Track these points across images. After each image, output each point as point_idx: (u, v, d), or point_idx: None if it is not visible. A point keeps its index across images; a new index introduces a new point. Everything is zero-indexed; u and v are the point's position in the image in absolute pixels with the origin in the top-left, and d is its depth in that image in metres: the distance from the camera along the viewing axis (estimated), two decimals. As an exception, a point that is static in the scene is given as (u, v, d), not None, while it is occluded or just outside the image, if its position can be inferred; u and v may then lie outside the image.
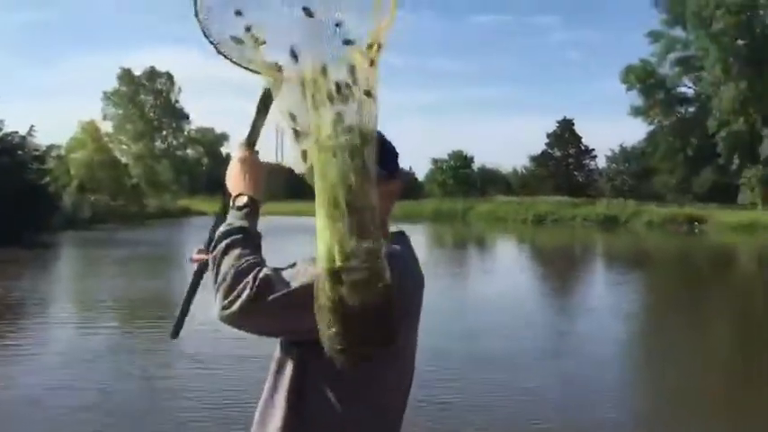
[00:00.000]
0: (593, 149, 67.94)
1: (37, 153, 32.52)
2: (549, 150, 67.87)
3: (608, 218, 47.50)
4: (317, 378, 1.65)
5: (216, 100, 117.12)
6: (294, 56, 1.59)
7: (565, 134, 67.32)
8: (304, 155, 1.55)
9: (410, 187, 60.87)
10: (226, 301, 1.56)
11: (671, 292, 17.53)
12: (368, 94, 1.56)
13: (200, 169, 74.45)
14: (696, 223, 44.12)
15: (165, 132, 71.40)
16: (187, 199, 58.03)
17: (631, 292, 16.77)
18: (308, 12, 1.57)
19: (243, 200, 1.72)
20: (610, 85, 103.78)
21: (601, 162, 67.72)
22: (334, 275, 1.46)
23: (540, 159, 68.10)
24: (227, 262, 1.60)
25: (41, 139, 37.70)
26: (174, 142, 72.35)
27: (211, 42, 1.68)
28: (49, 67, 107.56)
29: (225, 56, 1.68)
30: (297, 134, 1.58)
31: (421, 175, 71.58)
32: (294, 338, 1.69)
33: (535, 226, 46.56)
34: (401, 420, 1.81)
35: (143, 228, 36.80)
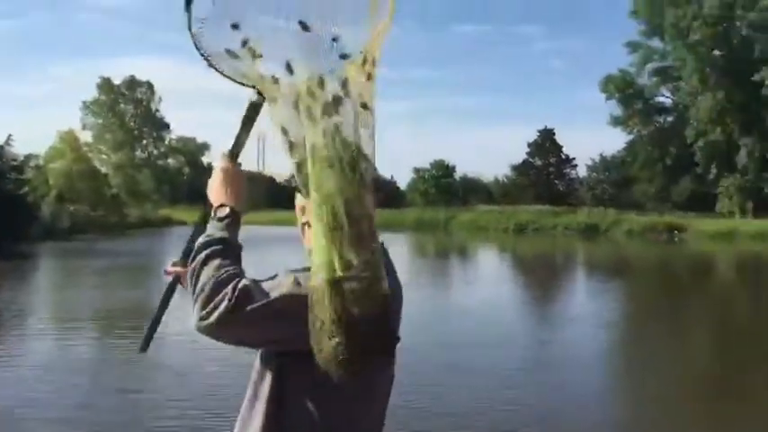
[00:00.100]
0: (574, 159, 68.51)
1: (15, 163, 32.28)
2: (530, 159, 68.26)
3: (588, 227, 47.82)
4: (297, 388, 1.65)
5: (197, 110, 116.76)
6: (290, 69, 1.60)
7: (545, 143, 67.76)
8: (299, 167, 1.56)
9: (392, 196, 60.95)
10: (204, 312, 1.56)
11: (651, 300, 17.66)
12: (364, 106, 1.57)
13: (182, 179, 74.05)
14: (675, 232, 44.55)
15: (145, 142, 71.06)
16: (168, 208, 57.66)
17: (612, 300, 16.87)
18: (304, 26, 1.57)
19: (224, 211, 1.72)
20: (590, 94, 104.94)
21: (581, 171, 68.29)
22: (335, 286, 1.47)
23: (521, 168, 68.46)
24: (207, 272, 1.60)
25: (20, 149, 37.43)
26: (155, 152, 72.00)
27: (202, 55, 1.67)
28: (27, 76, 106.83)
29: (216, 69, 1.68)
30: (291, 146, 1.58)
31: (403, 184, 71.77)
32: (273, 349, 1.68)
33: (516, 235, 46.76)
34: (380, 430, 1.80)
35: (123, 238, 36.50)
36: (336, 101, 1.57)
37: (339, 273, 1.47)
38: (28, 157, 44.07)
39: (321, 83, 1.58)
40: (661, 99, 62.85)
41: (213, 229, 1.69)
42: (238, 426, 1.74)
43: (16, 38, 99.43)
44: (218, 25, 1.65)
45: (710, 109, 53.39)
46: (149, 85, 69.74)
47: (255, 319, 1.56)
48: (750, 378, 8.99)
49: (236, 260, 1.65)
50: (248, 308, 1.54)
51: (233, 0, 1.63)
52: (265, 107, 1.72)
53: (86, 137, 63.15)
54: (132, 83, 69.08)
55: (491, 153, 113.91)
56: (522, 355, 10.19)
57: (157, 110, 70.76)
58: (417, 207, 60.16)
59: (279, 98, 1.62)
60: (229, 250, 1.65)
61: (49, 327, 12.01)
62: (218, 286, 1.56)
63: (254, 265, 1.70)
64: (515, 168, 69.15)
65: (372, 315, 1.49)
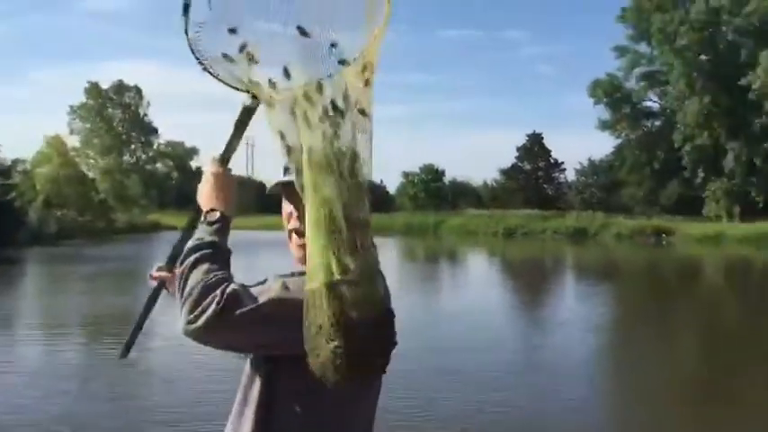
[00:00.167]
0: (563, 163, 68.73)
1: (2, 168, 32.00)
2: (519, 164, 68.43)
3: (577, 230, 48.00)
4: (287, 393, 1.65)
5: (186, 114, 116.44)
6: (287, 74, 1.60)
7: (534, 148, 67.96)
8: (298, 171, 1.55)
9: (381, 201, 60.95)
10: (192, 316, 1.55)
11: (640, 304, 17.74)
12: (362, 112, 1.58)
13: (170, 183, 73.74)
14: (663, 235, 44.81)
15: (133, 146, 70.62)
16: (156, 213, 57.38)
17: (601, 304, 16.92)
18: (302, 31, 1.57)
19: (215, 215, 1.71)
20: (578, 99, 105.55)
21: (570, 175, 68.54)
22: (334, 289, 1.47)
23: (510, 173, 68.61)
24: (195, 276, 1.59)
25: (6, 154, 37.19)
26: (143, 156, 71.59)
27: (198, 59, 1.67)
28: (13, 80, 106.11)
29: (211, 73, 1.67)
30: (289, 150, 1.58)
31: (392, 188, 71.72)
32: (262, 353, 1.68)
33: (505, 239, 46.85)
34: None
35: (111, 243, 36.30)
36: (335, 106, 1.57)
37: (337, 276, 1.47)
38: (15, 162, 43.82)
39: (319, 88, 1.58)
40: (649, 103, 63.33)
41: (203, 233, 1.68)
42: (228, 430, 1.74)
43: (2, 41, 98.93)
44: (215, 30, 1.64)
45: (697, 113, 53.75)
46: (137, 90, 69.40)
47: (244, 324, 1.55)
48: (737, 381, 9.04)
49: (226, 265, 1.65)
50: (237, 312, 1.54)
51: (231, 5, 1.62)
52: (259, 112, 1.72)
53: (74, 142, 62.72)
54: (120, 87, 68.71)
55: (480, 157, 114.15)
56: (512, 358, 10.20)
57: (146, 114, 70.41)
58: (406, 211, 60.19)
59: (276, 103, 1.61)
60: (219, 255, 1.65)
61: (37, 333, 11.92)
62: (206, 290, 1.55)
63: (243, 270, 1.69)
64: (504, 172, 69.31)
65: (370, 319, 1.49)
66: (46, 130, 61.42)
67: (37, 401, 7.32)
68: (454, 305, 16.20)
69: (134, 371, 8.59)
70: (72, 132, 65.50)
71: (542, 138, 68.18)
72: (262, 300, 1.57)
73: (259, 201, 44.48)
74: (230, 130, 1.79)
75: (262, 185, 52.40)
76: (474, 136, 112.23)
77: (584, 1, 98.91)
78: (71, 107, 67.76)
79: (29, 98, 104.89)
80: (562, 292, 20.08)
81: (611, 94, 59.94)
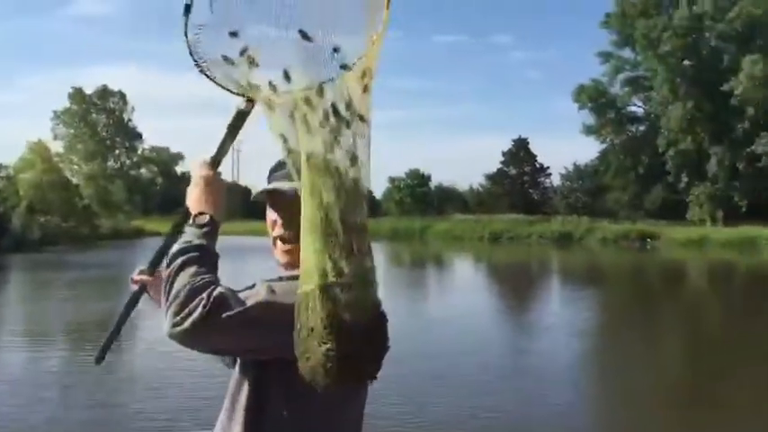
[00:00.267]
0: (548, 167, 69.11)
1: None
2: (505, 169, 68.72)
3: (563, 235, 48.25)
4: (276, 397, 1.64)
5: (171, 119, 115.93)
6: (288, 77, 1.59)
7: (520, 152, 68.27)
8: (298, 174, 1.55)
9: (367, 206, 60.85)
10: (177, 318, 1.52)
11: (625, 308, 17.83)
12: (361, 118, 1.58)
13: (155, 189, 73.38)
14: (648, 240, 45.13)
15: (117, 152, 70.20)
16: (141, 219, 57.11)
17: (586, 309, 16.99)
18: (304, 35, 1.57)
19: (204, 218, 1.69)
20: (563, 104, 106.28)
21: (555, 180, 68.90)
22: (328, 291, 1.46)
23: (495, 178, 68.88)
24: (182, 279, 1.57)
25: (-11, 160, 36.84)
26: (128, 162, 71.18)
27: (195, 61, 1.65)
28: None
29: (208, 76, 1.66)
30: (290, 154, 1.58)
31: (378, 193, 71.70)
32: (249, 358, 1.67)
33: (491, 244, 46.99)
34: None
35: (95, 249, 36.06)
36: (335, 110, 1.57)
37: (331, 279, 1.47)
38: (-2, 168, 43.48)
39: (320, 92, 1.58)
40: (633, 108, 63.83)
41: (191, 236, 1.66)
42: (217, 435, 1.73)
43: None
44: (215, 32, 1.63)
45: (681, 118, 54.23)
46: (122, 95, 69.04)
47: (230, 327, 1.53)
48: (722, 385, 9.08)
49: (213, 268, 1.63)
50: (223, 315, 1.52)
51: (232, 8, 1.61)
52: (253, 116, 1.71)
53: (57, 147, 62.39)
54: (104, 92, 68.30)
55: (466, 162, 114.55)
56: (499, 363, 10.21)
57: (130, 119, 70.05)
58: (393, 216, 60.25)
59: (277, 106, 1.61)
60: (207, 258, 1.63)
61: (19, 340, 11.80)
62: (193, 292, 1.54)
63: (228, 275, 1.66)
64: (490, 177, 69.58)
65: (363, 323, 1.48)
66: (30, 135, 60.86)
67: (19, 410, 7.23)
68: (441, 310, 16.20)
69: (117, 378, 8.51)
70: (56, 138, 65.16)
71: (528, 143, 68.58)
72: (249, 303, 1.56)
73: (244, 206, 44.39)
74: (222, 133, 1.77)
75: (247, 191, 52.27)
76: (460, 141, 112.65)
77: (572, 6, 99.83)
78: (54, 112, 67.37)
79: (12, 103, 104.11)
80: (548, 297, 20.14)
81: (595, 99, 60.36)
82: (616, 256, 36.95)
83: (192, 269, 1.58)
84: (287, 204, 1.76)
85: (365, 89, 1.59)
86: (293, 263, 1.74)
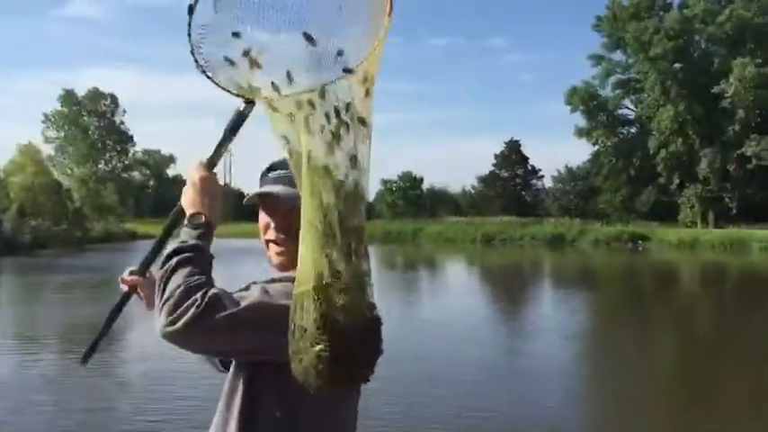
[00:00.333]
0: (540, 170, 69.30)
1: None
2: (497, 171, 68.84)
3: (555, 237, 48.37)
4: (269, 399, 1.64)
5: (163, 122, 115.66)
6: (290, 79, 1.59)
7: (512, 155, 68.41)
8: (299, 175, 1.55)
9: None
10: (172, 317, 1.52)
11: (617, 310, 17.87)
12: (362, 122, 1.58)
13: (147, 192, 73.16)
14: (640, 241, 45.29)
15: (109, 155, 69.90)
16: (133, 222, 56.93)
17: (579, 310, 17.02)
18: (308, 38, 1.57)
19: (200, 219, 1.68)
20: (555, 106, 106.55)
21: (547, 182, 69.07)
22: (323, 292, 1.46)
23: (487, 180, 69.00)
24: (177, 279, 1.57)
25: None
26: (119, 165, 70.91)
27: (197, 61, 1.64)
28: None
29: (209, 77, 1.65)
30: (291, 155, 1.58)
31: (371, 195, 71.66)
32: (243, 359, 1.67)
33: (484, 246, 47.05)
34: None
35: (86, 252, 35.90)
36: (337, 113, 1.57)
37: (327, 280, 1.47)
38: (-13, 171, 43.22)
39: (323, 94, 1.58)
40: (624, 111, 64.01)
41: (186, 237, 1.66)
42: (212, 437, 1.73)
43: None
44: (219, 33, 1.63)
45: (672, 120, 54.48)
46: (113, 98, 68.79)
47: (224, 327, 1.53)
48: (714, 387, 9.11)
49: (208, 269, 1.63)
50: (217, 315, 1.52)
51: (236, 9, 1.61)
52: (252, 118, 1.71)
53: (48, 150, 62.15)
54: (96, 95, 68.04)
55: (458, 164, 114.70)
56: (492, 365, 10.21)
57: (122, 122, 69.82)
58: (385, 219, 60.29)
59: (279, 107, 1.60)
60: (201, 259, 1.63)
61: (9, 343, 11.72)
62: (187, 292, 1.53)
63: (220, 278, 1.65)
64: (482, 180, 69.70)
65: (357, 325, 1.48)
66: (20, 137, 60.34)
67: (9, 413, 7.18)
68: (433, 312, 16.19)
69: (108, 380, 8.47)
70: (46, 141, 64.91)
71: (520, 145, 68.75)
72: (243, 304, 1.56)
73: (236, 209, 44.32)
74: (220, 135, 1.76)
75: (239, 193, 52.20)
76: (452, 143, 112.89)
77: (564, 9, 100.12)
78: (45, 115, 67.13)
79: (2, 105, 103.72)
80: (541, 299, 20.17)
81: (587, 101, 60.54)
82: (608, 258, 37.05)
83: (187, 269, 1.58)
84: (279, 208, 1.77)
85: (367, 93, 1.60)
86: (286, 265, 1.75)
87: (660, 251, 40.78)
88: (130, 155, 72.27)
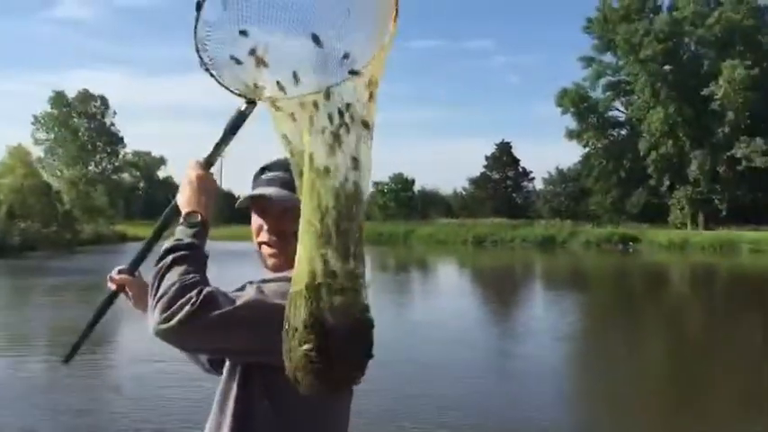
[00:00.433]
0: (531, 172, 69.48)
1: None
2: (488, 173, 68.97)
3: (546, 239, 48.49)
4: (263, 401, 1.63)
5: (153, 123, 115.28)
6: (296, 79, 1.59)
7: (503, 157, 68.57)
8: (300, 175, 1.55)
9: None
10: (165, 314, 1.51)
11: (608, 312, 17.93)
12: (366, 124, 1.58)
13: (137, 194, 72.89)
14: (630, 243, 45.45)
15: (99, 156, 69.59)
16: (123, 224, 56.70)
17: (570, 312, 17.05)
18: (316, 39, 1.57)
19: (196, 217, 1.68)
20: (546, 108, 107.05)
21: (538, 184, 69.27)
22: (314, 291, 1.46)
23: (478, 182, 69.12)
24: (172, 276, 1.56)
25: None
26: (109, 166, 70.60)
27: (201, 59, 1.64)
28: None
29: (212, 75, 1.64)
30: (293, 154, 1.58)
31: (362, 197, 71.61)
32: (236, 360, 1.67)
33: (475, 248, 47.11)
34: None
35: (76, 255, 35.72)
36: (341, 115, 1.57)
37: (320, 280, 1.46)
38: (-24, 173, 42.94)
39: (327, 95, 1.58)
40: (614, 113, 64.30)
41: (182, 235, 1.66)
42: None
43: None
44: (225, 31, 1.62)
45: (662, 122, 54.76)
46: (103, 99, 68.52)
47: (219, 325, 1.53)
48: (704, 389, 9.16)
49: (203, 268, 1.63)
50: (211, 313, 1.51)
51: (244, 7, 1.61)
52: (252, 117, 1.71)
53: (38, 152, 61.84)
54: (86, 97, 67.75)
55: (449, 166, 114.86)
56: (483, 366, 10.22)
57: (112, 124, 69.54)
58: (376, 221, 60.26)
59: (283, 107, 1.60)
60: (197, 257, 1.62)
61: (-2, 347, 11.64)
62: (182, 290, 1.53)
63: (212, 280, 1.65)
64: (473, 182, 69.82)
65: (347, 327, 1.47)
66: (9, 139, 60.19)
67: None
68: (425, 314, 16.19)
69: (97, 382, 8.43)
70: (36, 142, 64.57)
71: (511, 147, 68.92)
72: (238, 302, 1.56)
73: (228, 210, 44.16)
74: (219, 134, 1.75)
75: (229, 195, 52.09)
76: (443, 145, 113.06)
77: (553, 11, 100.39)
78: (35, 117, 66.77)
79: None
80: (531, 301, 20.21)
81: (577, 103, 60.77)
82: (599, 260, 37.16)
83: (182, 267, 1.58)
84: (272, 210, 1.77)
85: (371, 97, 1.60)
86: (279, 267, 1.75)
87: (650, 253, 40.95)
88: (121, 157, 71.99)
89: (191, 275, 1.56)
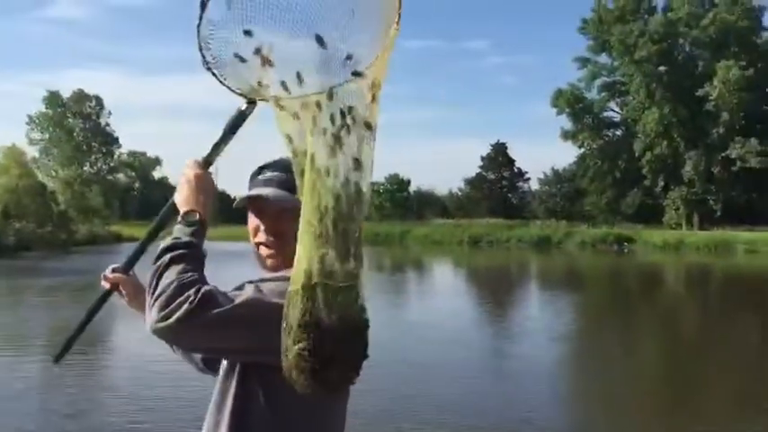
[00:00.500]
0: (527, 172, 69.57)
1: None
2: (484, 173, 69.04)
3: (541, 239, 48.54)
4: (260, 400, 1.63)
5: (148, 124, 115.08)
6: (300, 79, 1.60)
7: (498, 157, 68.65)
8: (301, 174, 1.55)
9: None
10: (164, 312, 1.51)
11: (603, 312, 17.95)
12: (368, 126, 1.58)
13: (132, 194, 72.74)
14: (625, 243, 45.53)
15: (94, 157, 69.48)
16: (118, 225, 56.61)
17: (565, 312, 17.08)
18: (319, 40, 1.57)
19: (194, 216, 1.68)
20: (542, 109, 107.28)
21: (534, 184, 69.35)
22: (310, 290, 1.46)
23: (474, 182, 69.17)
24: (170, 275, 1.56)
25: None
26: (104, 167, 70.49)
27: (204, 57, 1.63)
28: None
29: (215, 74, 1.65)
30: (295, 154, 1.58)
31: (358, 198, 71.55)
32: (233, 359, 1.66)
33: (471, 248, 47.13)
34: None
35: (71, 255, 35.64)
36: (343, 115, 1.58)
37: (316, 280, 1.46)
38: (-29, 173, 42.83)
39: (330, 96, 1.58)
40: (610, 113, 64.43)
41: (180, 233, 1.66)
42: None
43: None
44: (229, 30, 1.62)
45: (657, 123, 54.88)
46: (98, 99, 68.44)
47: (217, 324, 1.52)
48: (699, 389, 9.18)
49: (201, 267, 1.62)
50: (210, 312, 1.51)
51: (248, 7, 1.60)
52: (252, 117, 1.71)
53: (32, 152, 61.70)
54: (80, 97, 67.63)
55: (445, 167, 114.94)
56: (479, 366, 10.23)
57: (107, 124, 69.46)
58: (372, 221, 60.22)
59: (286, 107, 1.60)
60: (195, 255, 1.62)
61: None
62: (181, 288, 1.53)
63: (209, 280, 1.65)
64: (469, 182, 69.87)
65: (342, 326, 1.47)
66: (3, 140, 60.12)
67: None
68: (421, 314, 16.20)
69: (92, 382, 8.41)
70: (31, 143, 64.42)
71: (506, 147, 68.99)
72: (236, 301, 1.56)
73: (223, 211, 44.13)
74: (219, 134, 1.75)
75: (225, 195, 52.08)
76: (439, 146, 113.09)
77: (549, 12, 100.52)
78: (29, 117, 66.62)
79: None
80: (527, 301, 20.23)
81: (572, 104, 60.87)
82: (594, 260, 37.22)
83: (180, 266, 1.57)
84: (269, 210, 1.77)
85: (373, 98, 1.60)
86: (277, 267, 1.75)
87: (645, 253, 41.03)
88: (116, 157, 71.92)
89: (189, 274, 1.56)
